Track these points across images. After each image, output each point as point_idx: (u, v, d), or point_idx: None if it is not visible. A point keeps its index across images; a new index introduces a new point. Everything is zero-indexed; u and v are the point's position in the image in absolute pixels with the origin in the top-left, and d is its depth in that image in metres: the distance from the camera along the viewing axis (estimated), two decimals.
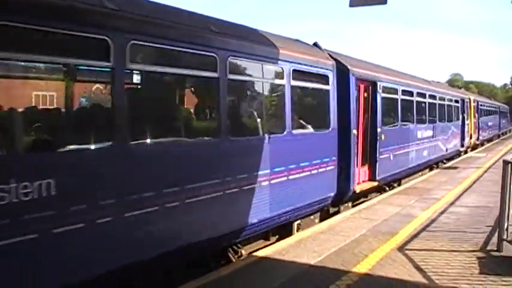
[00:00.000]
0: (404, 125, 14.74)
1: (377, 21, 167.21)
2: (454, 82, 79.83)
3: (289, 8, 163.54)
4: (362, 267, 6.56)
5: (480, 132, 30.64)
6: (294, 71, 8.30)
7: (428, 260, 6.82)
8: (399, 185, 14.71)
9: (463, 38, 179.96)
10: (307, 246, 7.64)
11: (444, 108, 20.00)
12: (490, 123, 36.74)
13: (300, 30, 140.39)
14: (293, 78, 8.24)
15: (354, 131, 10.79)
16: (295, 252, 7.34)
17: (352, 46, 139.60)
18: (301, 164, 8.47)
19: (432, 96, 18.03)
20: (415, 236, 8.20)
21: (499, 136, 42.52)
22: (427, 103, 17.24)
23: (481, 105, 31.88)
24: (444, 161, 20.55)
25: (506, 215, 7.25)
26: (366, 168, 12.07)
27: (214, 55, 6.48)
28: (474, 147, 28.05)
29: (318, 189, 9.16)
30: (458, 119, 23.02)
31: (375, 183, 12.21)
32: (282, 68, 8.01)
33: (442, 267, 6.53)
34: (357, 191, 11.09)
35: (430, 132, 17.48)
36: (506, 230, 7.20)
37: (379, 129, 12.25)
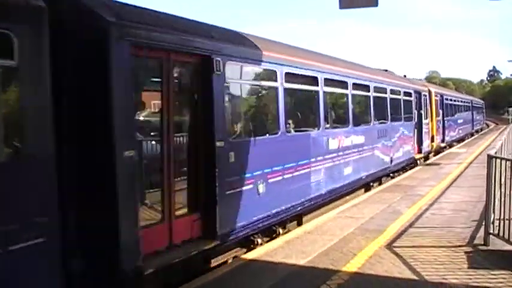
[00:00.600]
0: (299, 130, 9.62)
1: (354, 19, 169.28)
2: (431, 79, 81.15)
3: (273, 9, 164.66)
4: (352, 266, 6.54)
5: (446, 132, 25.98)
6: None
7: (417, 256, 6.83)
8: (299, 224, 9.46)
9: (440, 35, 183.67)
10: (296, 247, 7.59)
11: (386, 103, 14.87)
12: (459, 121, 32.09)
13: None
14: None
15: (128, 153, 5.32)
16: (284, 253, 7.28)
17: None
18: None
19: (362, 87, 12.83)
20: (403, 232, 8.21)
21: (472, 134, 38.82)
22: (349, 96, 11.80)
23: (446, 99, 26.98)
24: (391, 174, 15.68)
25: (491, 209, 7.31)
26: (195, 217, 6.71)
27: None
28: (438, 152, 23.49)
29: None
30: (411, 118, 17.84)
31: (212, 244, 6.67)
32: None
33: (431, 263, 6.54)
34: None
35: (359, 139, 12.27)
36: (492, 224, 7.26)
37: (218, 144, 6.80)
